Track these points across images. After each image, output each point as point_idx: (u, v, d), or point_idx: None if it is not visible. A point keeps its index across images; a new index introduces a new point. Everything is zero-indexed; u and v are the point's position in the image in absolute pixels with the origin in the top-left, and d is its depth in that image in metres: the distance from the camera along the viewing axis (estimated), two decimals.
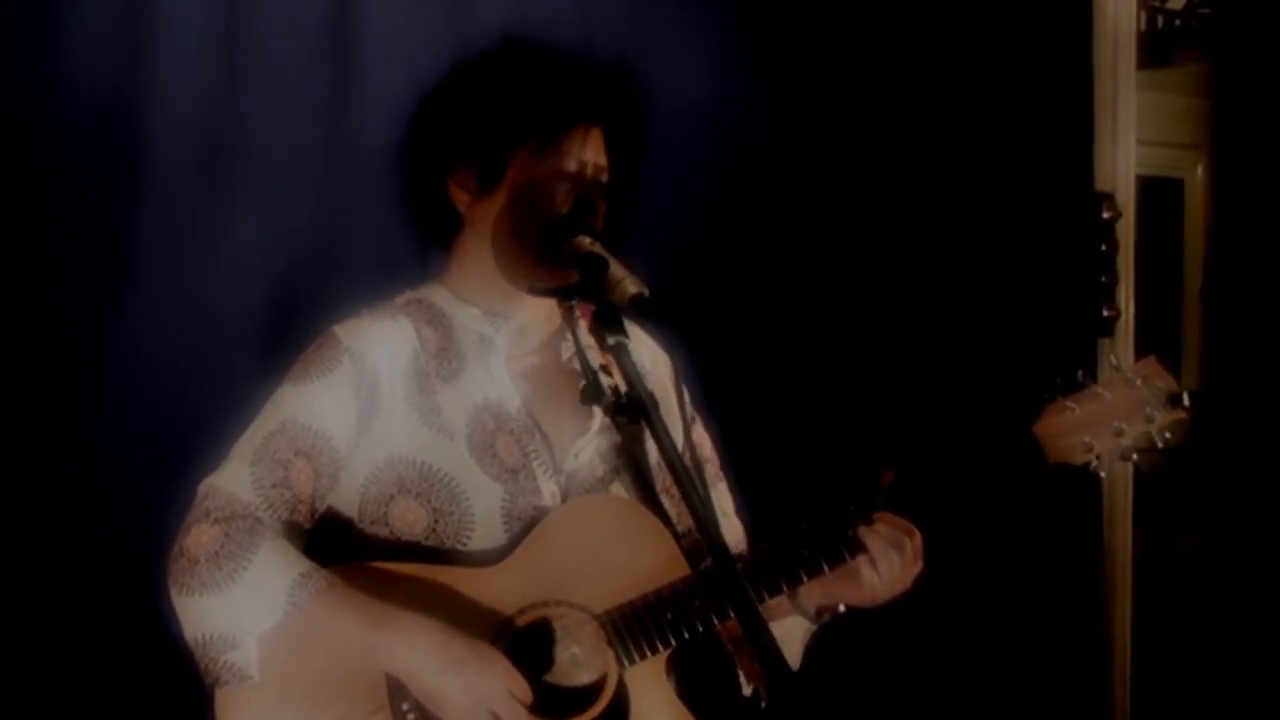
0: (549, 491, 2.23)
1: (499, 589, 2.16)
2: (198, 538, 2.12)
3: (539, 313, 2.31)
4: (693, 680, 2.23)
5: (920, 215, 3.70)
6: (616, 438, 2.27)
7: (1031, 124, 3.78)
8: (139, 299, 2.95)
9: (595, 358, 2.15)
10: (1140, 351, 3.22)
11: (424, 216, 2.32)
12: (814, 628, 2.29)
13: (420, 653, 2.08)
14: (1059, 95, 3.84)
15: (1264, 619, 4.02)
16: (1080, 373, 2.28)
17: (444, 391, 2.25)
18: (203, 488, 2.17)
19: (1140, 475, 3.89)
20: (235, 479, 2.17)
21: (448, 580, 2.16)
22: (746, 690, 2.27)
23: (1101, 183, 3.86)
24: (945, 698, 3.68)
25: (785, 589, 2.20)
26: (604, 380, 2.13)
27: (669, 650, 2.16)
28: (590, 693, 2.15)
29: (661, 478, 2.25)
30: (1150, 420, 2.26)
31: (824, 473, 2.60)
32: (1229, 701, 4.01)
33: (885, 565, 2.19)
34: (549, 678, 2.17)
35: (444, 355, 2.27)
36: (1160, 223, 4.59)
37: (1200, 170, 5.19)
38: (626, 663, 2.15)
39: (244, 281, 3.01)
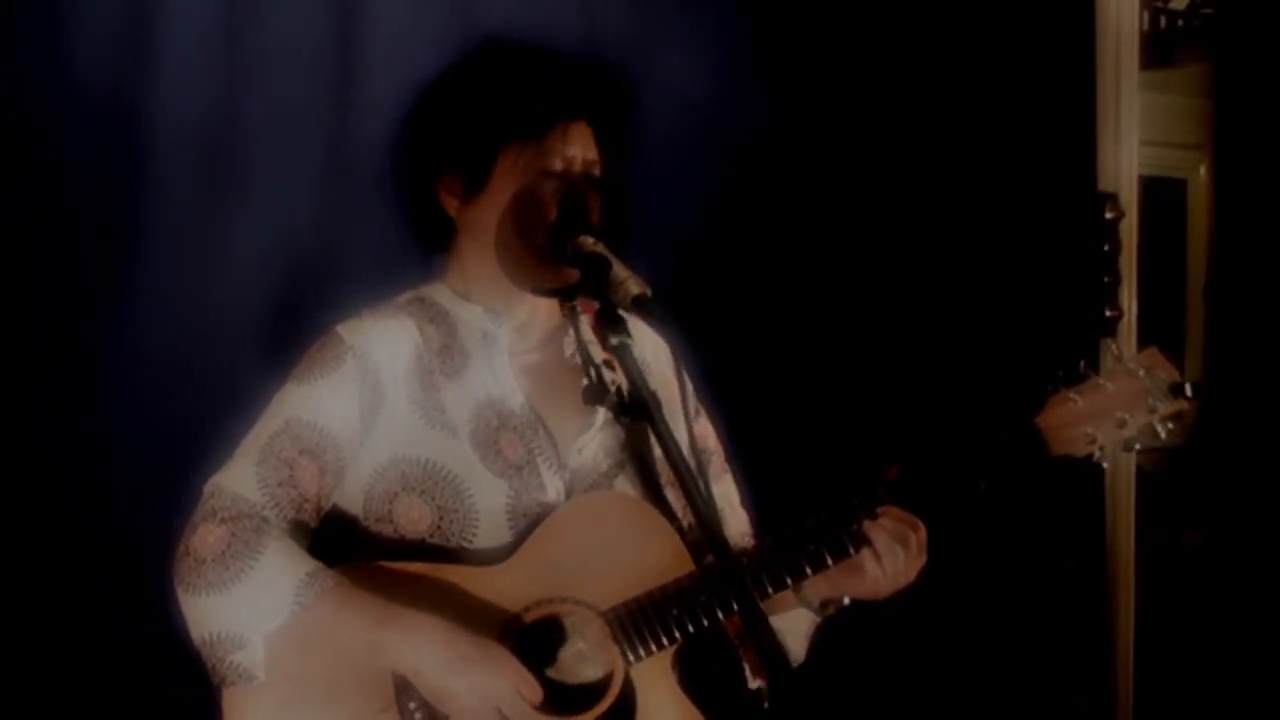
0: (554, 487, 2.23)
1: (504, 586, 2.16)
2: (204, 537, 2.11)
3: (541, 309, 2.30)
4: (698, 675, 2.22)
5: (923, 215, 3.70)
6: (620, 433, 2.27)
7: (1034, 124, 3.77)
8: (140, 299, 2.96)
9: (597, 353, 2.15)
10: None
11: (418, 222, 2.33)
12: (819, 620, 2.29)
13: (427, 651, 2.08)
14: (1061, 95, 3.83)
15: (1267, 616, 4.02)
16: (1082, 364, 2.27)
17: (447, 389, 2.25)
18: (208, 487, 2.17)
19: (1143, 473, 3.91)
20: (241, 478, 2.16)
21: (454, 579, 2.16)
22: (752, 684, 2.27)
23: (1104, 183, 3.86)
24: (949, 694, 3.67)
25: (790, 582, 2.20)
26: (607, 378, 2.14)
27: (675, 646, 2.16)
28: (596, 689, 2.15)
29: (665, 472, 2.24)
30: (1153, 410, 2.25)
31: (828, 467, 2.59)
32: (1232, 699, 4.01)
33: (889, 559, 2.18)
34: (555, 674, 2.16)
35: (447, 353, 2.27)
36: (1163, 223, 4.59)
37: (1203, 171, 5.19)
38: (632, 659, 2.15)
39: (246, 281, 3.01)
